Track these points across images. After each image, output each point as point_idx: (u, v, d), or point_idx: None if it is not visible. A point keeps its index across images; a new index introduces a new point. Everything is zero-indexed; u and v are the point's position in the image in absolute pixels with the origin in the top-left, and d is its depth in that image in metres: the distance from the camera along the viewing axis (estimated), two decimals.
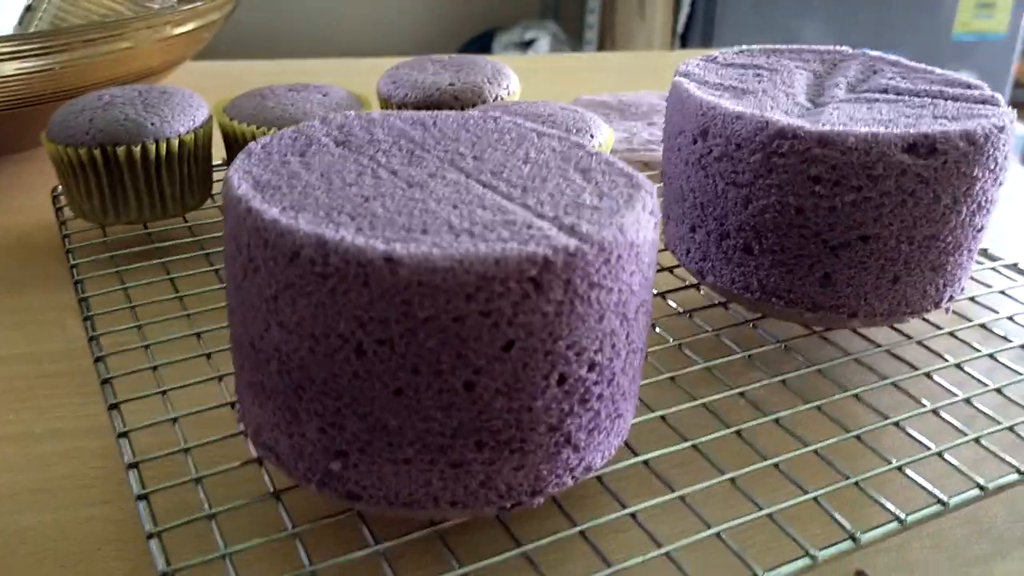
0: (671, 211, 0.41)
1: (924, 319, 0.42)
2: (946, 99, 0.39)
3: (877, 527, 0.30)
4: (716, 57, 0.44)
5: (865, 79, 0.42)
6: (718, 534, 0.29)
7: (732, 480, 0.31)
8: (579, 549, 0.31)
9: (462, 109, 0.53)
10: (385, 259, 0.24)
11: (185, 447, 0.32)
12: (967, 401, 0.36)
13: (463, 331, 0.25)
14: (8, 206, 0.56)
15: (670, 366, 0.38)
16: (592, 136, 0.46)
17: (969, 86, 0.40)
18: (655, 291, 0.43)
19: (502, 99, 0.54)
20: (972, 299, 0.44)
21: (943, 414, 0.35)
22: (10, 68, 0.53)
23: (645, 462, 0.32)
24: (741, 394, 0.36)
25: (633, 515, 0.30)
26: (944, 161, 0.34)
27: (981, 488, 0.31)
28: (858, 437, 0.33)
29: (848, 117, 0.37)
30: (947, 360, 0.38)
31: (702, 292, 0.44)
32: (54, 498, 0.34)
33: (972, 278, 0.46)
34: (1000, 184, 0.37)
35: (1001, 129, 0.35)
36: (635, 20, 2.43)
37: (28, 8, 0.59)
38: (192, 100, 0.50)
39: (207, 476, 0.31)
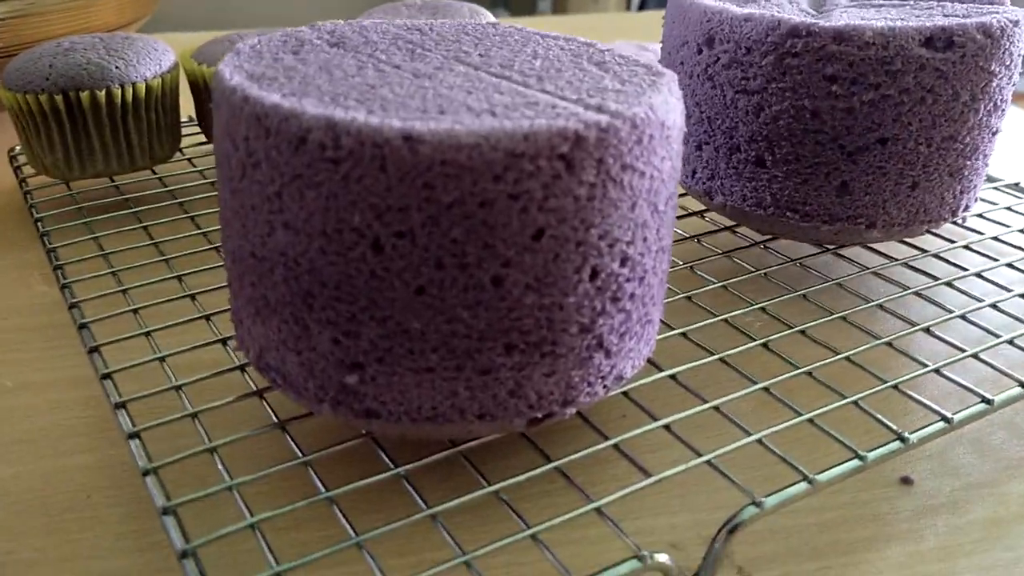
0: None
1: (934, 233, 0.40)
2: (952, 1, 0.38)
3: (924, 427, 0.28)
4: None
5: None
6: (759, 440, 0.27)
7: (766, 389, 0.29)
8: (614, 464, 0.29)
9: None
10: (404, 137, 0.22)
11: (176, 384, 0.30)
12: (994, 306, 0.34)
13: (491, 217, 0.23)
14: None
15: (685, 287, 0.36)
16: None
17: None
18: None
19: None
20: (980, 215, 0.43)
21: (972, 318, 0.33)
22: None
23: (673, 376, 0.30)
24: (763, 309, 0.34)
25: (667, 427, 0.28)
26: (963, 55, 0.33)
27: (1023, 385, 0.30)
28: (889, 343, 0.32)
29: (859, 18, 0.35)
30: (967, 269, 0.37)
31: (706, 219, 0.42)
32: (35, 448, 0.31)
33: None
34: (1013, 84, 0.36)
35: (1016, 23, 0.34)
36: (588, 3, 2.42)
37: None
38: (157, 46, 0.47)
39: (204, 411, 0.29)
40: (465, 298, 0.23)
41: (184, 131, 0.54)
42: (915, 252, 0.39)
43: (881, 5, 0.38)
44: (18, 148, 0.51)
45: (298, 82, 0.25)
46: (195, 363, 0.32)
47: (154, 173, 0.49)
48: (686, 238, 0.40)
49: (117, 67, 0.44)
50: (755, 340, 0.32)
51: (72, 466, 0.30)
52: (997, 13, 0.35)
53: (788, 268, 0.37)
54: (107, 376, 0.30)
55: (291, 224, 0.24)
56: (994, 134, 0.36)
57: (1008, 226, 0.41)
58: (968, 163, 0.36)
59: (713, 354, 0.31)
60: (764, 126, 0.35)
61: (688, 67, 0.37)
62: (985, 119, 0.35)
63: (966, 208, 0.38)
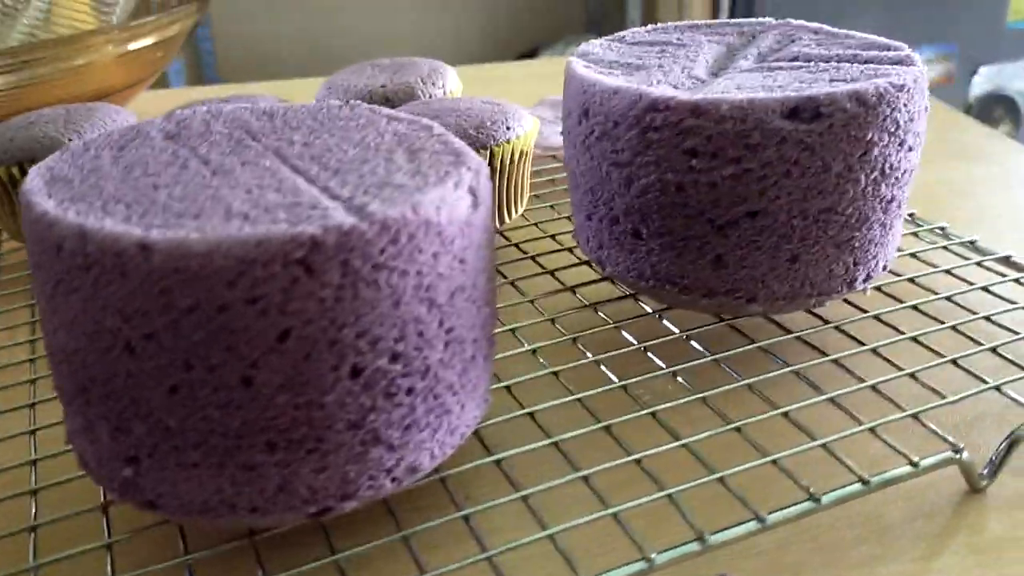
0: (573, 200, 0.39)
1: (848, 302, 0.39)
2: (857, 62, 0.36)
3: (733, 527, 0.27)
4: (625, 36, 0.42)
5: (779, 48, 0.39)
6: (551, 536, 0.27)
7: (585, 479, 0.29)
8: (401, 556, 0.28)
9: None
10: (139, 246, 0.23)
11: (32, 459, 0.31)
12: (874, 388, 0.33)
13: (230, 321, 0.23)
14: None
15: (558, 361, 0.35)
16: (508, 128, 0.45)
17: (888, 48, 0.37)
18: (566, 285, 0.41)
19: (435, 97, 0.53)
20: (911, 280, 0.40)
21: (841, 401, 0.32)
22: None
23: (497, 461, 0.30)
24: (623, 388, 0.33)
25: (467, 518, 0.28)
26: (830, 125, 0.31)
27: (864, 482, 0.28)
28: (738, 429, 0.31)
29: (736, 86, 0.34)
30: (862, 344, 0.35)
31: (618, 284, 0.41)
32: None
33: (916, 256, 0.42)
34: (909, 148, 0.34)
35: (900, 88, 0.32)
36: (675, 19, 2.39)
37: None
38: (117, 116, 0.50)
39: (42, 488, 0.30)
40: (216, 398, 0.24)
41: None
42: (819, 323, 0.37)
43: (779, 68, 0.36)
44: None
45: (88, 184, 0.26)
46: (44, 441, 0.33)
47: None
48: (584, 306, 0.39)
49: (70, 139, 0.47)
50: (599, 423, 0.31)
51: None
52: (887, 76, 0.33)
53: (670, 343, 0.36)
54: None
55: (63, 323, 0.25)
56: (889, 202, 0.34)
57: (935, 292, 0.39)
58: (857, 234, 0.34)
59: (549, 437, 0.31)
60: (636, 199, 0.34)
61: (572, 137, 0.37)
62: (870, 189, 0.33)
63: (867, 279, 0.36)
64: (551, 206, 0.50)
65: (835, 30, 0.40)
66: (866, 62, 0.36)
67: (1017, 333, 0.36)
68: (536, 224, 0.48)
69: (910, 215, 0.46)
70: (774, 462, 0.29)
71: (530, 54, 2.44)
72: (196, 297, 0.23)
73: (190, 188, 0.26)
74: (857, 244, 0.34)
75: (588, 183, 0.37)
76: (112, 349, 0.24)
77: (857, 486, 0.28)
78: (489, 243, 0.29)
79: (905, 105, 0.33)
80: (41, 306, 0.26)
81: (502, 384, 0.34)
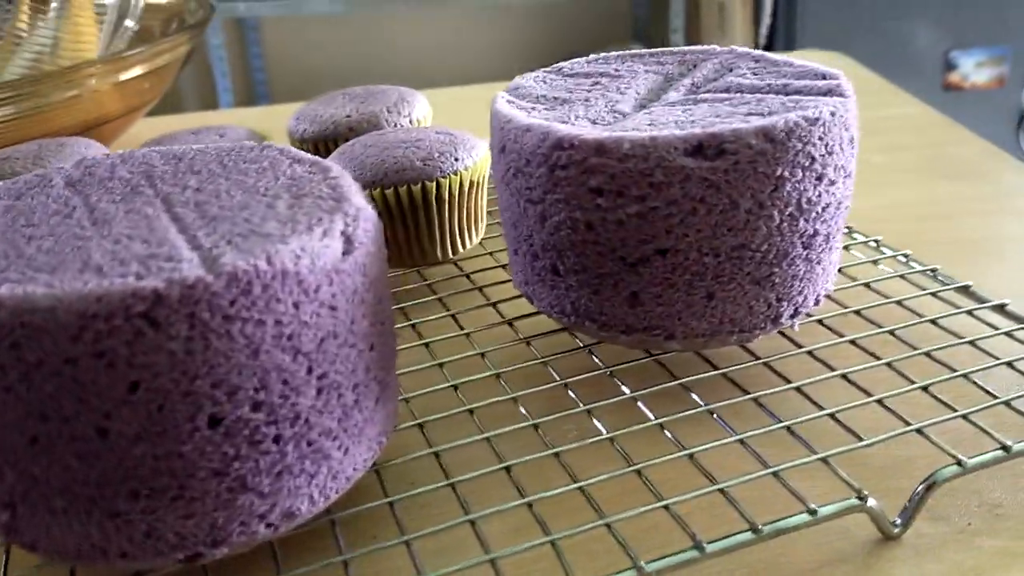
0: (504, 234, 0.39)
1: (784, 335, 0.38)
2: (784, 93, 0.35)
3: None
4: (563, 67, 0.41)
5: (715, 78, 0.38)
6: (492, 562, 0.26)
7: (472, 523, 0.28)
8: None
9: None
10: None
11: None
12: (789, 429, 0.32)
13: (78, 374, 0.23)
14: None
15: (477, 397, 0.35)
16: (456, 159, 0.44)
17: (824, 77, 0.36)
18: (505, 317, 0.40)
19: (400, 127, 0.53)
20: (857, 312, 0.39)
21: (751, 445, 0.31)
22: None
23: (391, 503, 0.30)
24: (535, 427, 0.33)
25: (345, 564, 0.28)
26: (735, 162, 0.31)
27: (755, 530, 0.27)
28: (638, 471, 0.30)
29: (649, 122, 0.33)
30: (788, 382, 0.34)
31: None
32: None
33: (870, 286, 0.41)
34: (831, 182, 0.33)
35: (813, 121, 0.31)
36: (717, 37, 2.37)
37: None
38: (86, 149, 0.51)
39: None
40: (75, 448, 0.24)
41: None
42: (748, 359, 0.36)
43: (703, 101, 0.35)
44: None
45: None
46: None
47: None
48: (518, 340, 0.39)
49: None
50: (497, 465, 0.31)
51: None
52: (804, 109, 0.32)
53: (593, 378, 0.36)
54: None
55: None
56: (812, 236, 0.33)
57: (840, 335, 0.37)
58: (777, 271, 0.33)
59: (447, 478, 0.30)
60: (550, 236, 0.34)
61: (495, 171, 0.37)
62: (786, 225, 0.32)
63: (794, 314, 0.35)
64: None
65: (776, 57, 0.39)
66: (794, 93, 0.35)
67: (954, 371, 0.34)
68: (491, 253, 0.48)
69: (875, 241, 0.45)
70: (666, 507, 0.28)
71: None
72: (44, 351, 0.23)
73: (61, 240, 0.26)
74: (778, 280, 0.33)
75: (511, 218, 0.36)
76: None
77: (748, 535, 0.27)
78: (375, 286, 0.29)
79: (820, 138, 0.32)
80: None
81: (415, 422, 0.34)
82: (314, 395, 0.26)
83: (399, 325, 0.40)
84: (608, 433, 0.32)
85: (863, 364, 0.35)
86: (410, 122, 0.54)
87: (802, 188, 0.32)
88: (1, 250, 0.26)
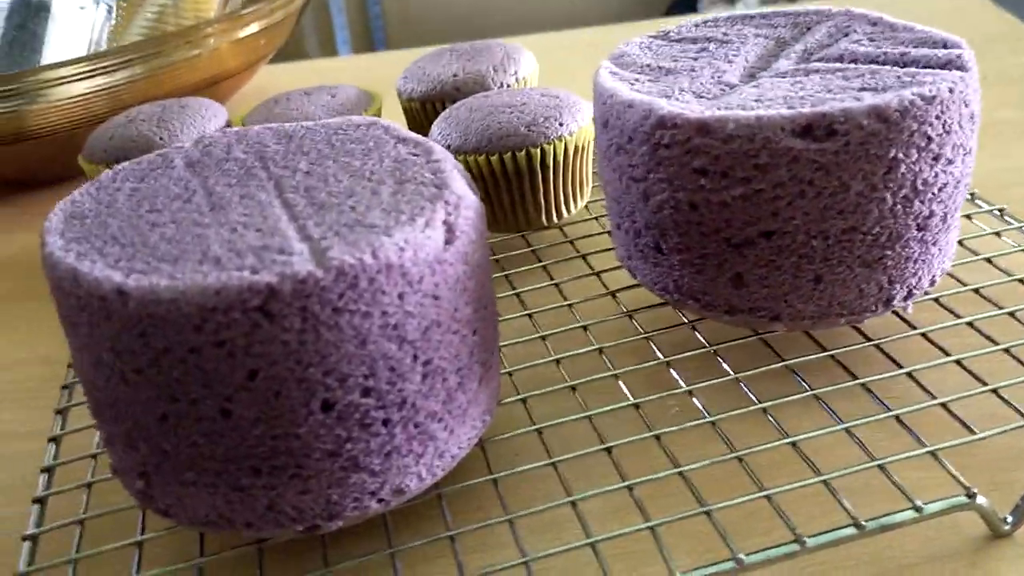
0: (606, 201, 0.39)
1: (898, 315, 0.36)
2: (901, 64, 0.34)
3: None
4: (670, 32, 0.40)
5: (828, 43, 0.37)
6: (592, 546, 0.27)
7: (573, 504, 0.29)
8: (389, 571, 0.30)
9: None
10: (117, 291, 0.25)
11: (94, 453, 0.35)
12: (897, 419, 0.31)
13: (201, 362, 0.25)
14: None
15: (579, 373, 0.35)
16: (562, 124, 0.44)
17: (946, 45, 0.34)
18: (608, 289, 0.40)
19: (508, 86, 0.53)
20: (976, 291, 0.37)
21: (858, 434, 0.31)
22: (79, 88, 0.58)
23: (495, 481, 0.31)
24: (636, 406, 0.33)
25: (452, 539, 0.29)
26: (846, 143, 0.30)
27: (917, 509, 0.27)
28: (740, 459, 0.30)
29: (756, 97, 0.32)
30: (899, 367, 0.33)
31: None
32: (8, 495, 0.37)
33: (991, 261, 0.39)
34: (948, 161, 0.31)
35: (931, 99, 0.30)
36: None
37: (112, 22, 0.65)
38: (207, 111, 0.53)
39: (96, 482, 0.33)
40: (200, 427, 0.26)
41: None
42: (858, 340, 0.35)
43: (814, 72, 0.34)
44: None
45: (97, 223, 0.28)
46: None
47: None
48: (621, 314, 0.39)
49: (161, 139, 0.50)
50: (601, 445, 0.31)
51: None
52: (921, 85, 0.31)
53: (694, 358, 0.35)
54: (53, 439, 0.36)
55: (75, 349, 0.27)
56: (928, 217, 0.32)
57: (958, 316, 0.36)
58: (889, 253, 0.32)
59: (550, 457, 0.31)
60: (653, 214, 0.34)
61: (598, 145, 0.37)
62: (900, 207, 0.31)
63: (907, 296, 0.34)
64: None
65: (895, 21, 0.37)
66: (911, 64, 0.33)
67: None
68: (597, 218, 0.48)
69: (999, 210, 0.43)
70: (767, 498, 0.28)
71: (690, 6, 2.34)
72: (168, 339, 0.25)
73: (182, 227, 0.28)
74: (890, 263, 0.32)
75: (613, 193, 0.36)
76: (111, 378, 0.26)
77: (850, 530, 0.27)
78: (477, 273, 0.29)
79: (938, 117, 0.30)
80: (63, 326, 0.29)
81: (518, 397, 0.34)
82: (419, 380, 0.27)
83: (503, 294, 0.41)
84: (710, 416, 0.32)
85: (980, 349, 0.34)
86: (516, 80, 0.53)
87: (917, 169, 0.31)
88: (128, 237, 0.27)
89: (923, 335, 0.35)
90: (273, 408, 0.26)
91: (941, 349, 0.34)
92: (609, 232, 0.45)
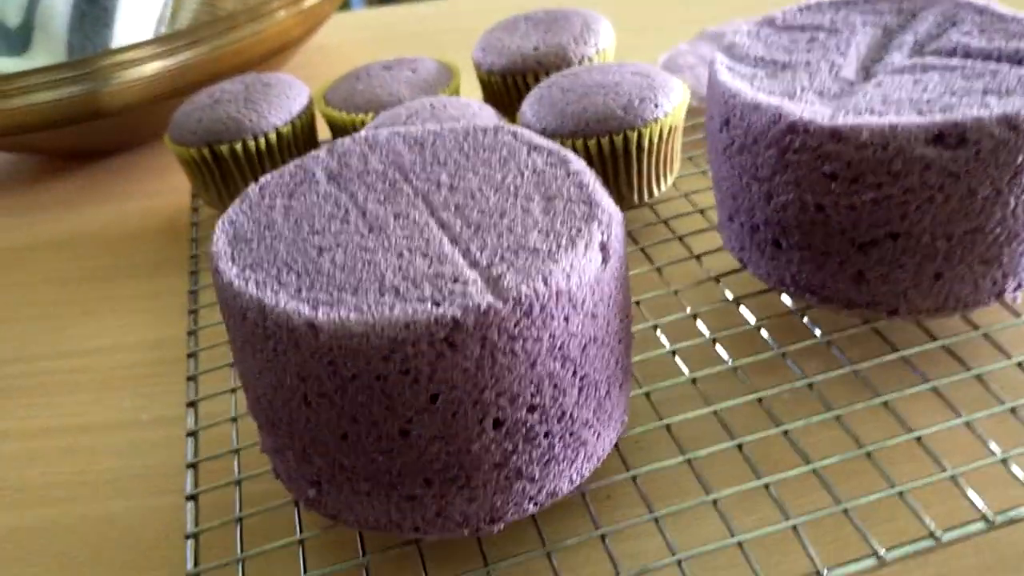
0: (715, 197, 0.40)
1: (1004, 303, 0.38)
2: (1017, 61, 0.34)
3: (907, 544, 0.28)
4: (775, 19, 0.41)
5: (938, 34, 0.37)
6: (739, 544, 0.29)
7: (714, 502, 0.31)
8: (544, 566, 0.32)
9: (546, 74, 0.53)
10: (308, 325, 0.26)
11: (235, 448, 0.37)
12: (1012, 411, 0.33)
13: (387, 387, 0.26)
14: (157, 188, 0.63)
15: (697, 364, 0.37)
16: (657, 105, 0.45)
17: None
18: (711, 274, 0.42)
19: (589, 59, 0.53)
20: None
21: (978, 427, 0.32)
22: (151, 69, 0.59)
23: (633, 478, 0.33)
24: (759, 400, 0.35)
25: (603, 537, 0.31)
26: (977, 151, 0.31)
27: (987, 520, 0.29)
28: (868, 455, 0.32)
29: (882, 99, 0.33)
30: (1009, 357, 0.35)
31: None
32: (147, 484, 0.39)
33: None
34: None
35: None
36: None
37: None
38: (291, 90, 0.53)
39: (245, 479, 0.35)
40: (380, 445, 0.28)
41: None
42: (967, 328, 0.37)
43: (932, 68, 0.35)
44: None
45: (264, 247, 0.30)
46: None
47: None
48: (727, 301, 0.40)
49: (251, 120, 0.51)
50: (731, 441, 0.33)
51: (173, 505, 0.38)
52: None
53: (810, 349, 0.37)
54: (192, 434, 0.38)
55: (251, 370, 0.29)
56: None
57: None
58: (1006, 250, 0.33)
59: (682, 453, 0.33)
60: (775, 213, 0.35)
61: (713, 141, 0.37)
62: (1020, 209, 0.32)
63: (1017, 287, 0.35)
64: (704, 171, 0.51)
65: (1002, 11, 0.38)
66: None
67: None
68: (686, 195, 0.49)
69: None
70: (900, 494, 0.30)
71: None
72: (357, 368, 0.26)
73: (349, 251, 0.29)
74: (1006, 259, 0.34)
75: (729, 189, 0.37)
76: (292, 400, 0.28)
77: (981, 524, 0.29)
78: (623, 285, 0.30)
79: None
80: (232, 344, 0.30)
81: (642, 391, 0.36)
82: (576, 393, 0.29)
83: None
84: (833, 410, 0.34)
85: None
86: (596, 52, 0.54)
87: None
88: (300, 264, 0.29)
89: None
90: (450, 427, 0.27)
91: None
92: (702, 211, 0.47)
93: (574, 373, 0.29)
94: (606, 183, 0.46)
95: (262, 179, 0.34)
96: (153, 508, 0.38)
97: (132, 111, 0.60)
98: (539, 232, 0.29)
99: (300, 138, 0.53)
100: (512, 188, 0.31)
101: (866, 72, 0.36)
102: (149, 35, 0.61)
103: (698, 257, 0.43)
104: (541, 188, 0.31)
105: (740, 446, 0.33)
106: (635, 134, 0.44)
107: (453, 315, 0.26)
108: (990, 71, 0.34)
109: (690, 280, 0.42)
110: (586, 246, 0.28)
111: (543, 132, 0.46)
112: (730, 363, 0.37)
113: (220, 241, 0.30)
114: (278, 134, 0.51)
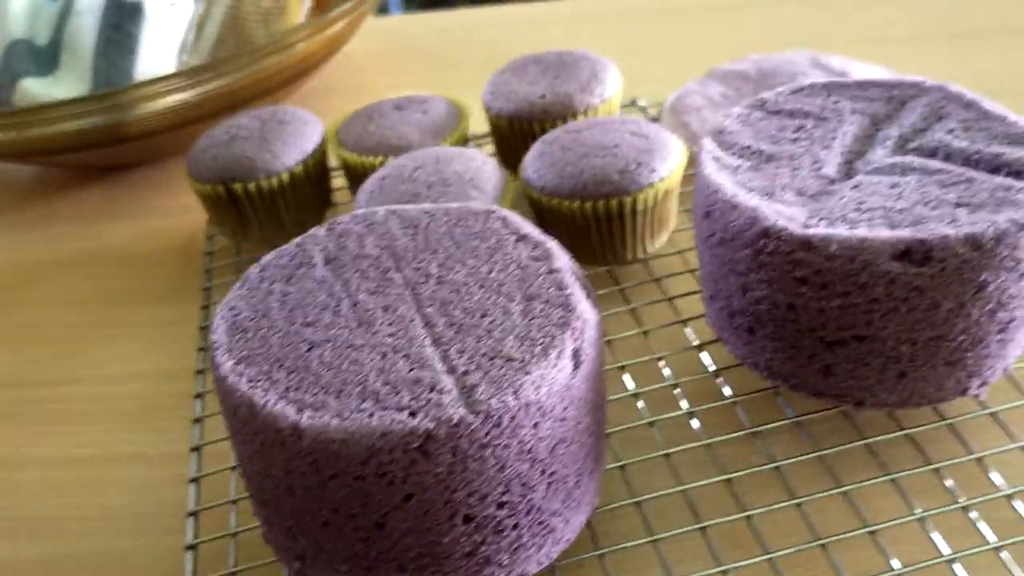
0: (700, 270, 0.41)
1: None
2: (995, 169, 0.35)
3: None
4: (766, 101, 0.42)
5: (924, 129, 0.38)
6: None
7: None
8: None
9: (552, 123, 0.54)
10: (293, 427, 0.28)
11: (233, 499, 0.39)
12: (965, 509, 0.34)
13: (364, 487, 0.29)
14: (178, 203, 0.65)
15: (673, 439, 0.39)
16: (653, 171, 0.46)
17: None
18: (695, 342, 0.43)
19: (594, 109, 0.55)
20: None
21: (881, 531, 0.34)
22: (173, 100, 0.60)
23: (601, 555, 0.35)
24: (728, 481, 0.37)
25: None
26: (941, 268, 0.32)
27: None
28: (823, 546, 0.34)
29: (857, 204, 0.34)
30: (970, 452, 0.36)
31: None
32: (155, 523, 0.42)
33: None
34: None
35: (1023, 225, 0.32)
36: None
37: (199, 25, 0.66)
38: (305, 128, 0.55)
39: (241, 532, 0.38)
40: (358, 534, 0.30)
41: (337, 182, 0.62)
42: (935, 420, 0.38)
43: (912, 170, 0.36)
44: None
45: (259, 339, 0.32)
46: None
47: None
48: (707, 373, 0.42)
49: (264, 161, 0.53)
50: (696, 525, 0.35)
51: (176, 545, 0.40)
52: (1015, 207, 0.33)
53: (779, 430, 0.39)
54: (194, 480, 0.40)
55: (241, 454, 0.31)
56: (1009, 322, 0.34)
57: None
58: (970, 354, 0.35)
59: (651, 533, 0.35)
60: (750, 305, 0.36)
61: (698, 226, 0.39)
62: (984, 318, 0.34)
63: (982, 385, 0.36)
64: None
65: (987, 107, 0.39)
66: (1005, 168, 0.35)
67: None
68: (680, 252, 0.50)
69: None
70: None
71: None
72: (337, 468, 0.28)
73: (337, 348, 0.31)
74: (970, 362, 0.35)
75: (711, 273, 0.39)
76: (279, 487, 0.30)
77: None
78: (596, 382, 0.32)
79: None
80: (225, 423, 0.32)
81: (617, 464, 0.38)
82: (545, 489, 0.31)
83: None
84: (796, 497, 0.35)
85: None
86: (601, 101, 0.55)
87: (1004, 287, 0.33)
88: (291, 361, 0.31)
89: (992, 415, 0.38)
90: (422, 523, 0.29)
91: (1007, 432, 0.37)
92: (692, 271, 0.48)
93: (543, 472, 0.31)
94: (601, 241, 0.48)
95: (264, 259, 0.36)
96: (161, 548, 0.40)
97: (154, 136, 0.62)
98: (515, 337, 0.30)
99: (312, 176, 0.55)
100: (496, 284, 0.33)
101: (848, 168, 0.37)
102: (172, 62, 0.62)
103: (685, 322, 0.45)
104: (523, 286, 0.32)
105: (704, 528, 0.35)
106: (630, 199, 0.46)
107: (426, 427, 0.28)
108: (966, 179, 0.35)
109: (675, 347, 0.44)
110: (558, 355, 0.30)
111: (542, 190, 0.47)
112: (704, 440, 0.38)
113: (219, 330, 0.32)
114: (292, 174, 0.53)
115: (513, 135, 0.56)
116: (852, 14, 0.82)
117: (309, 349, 0.31)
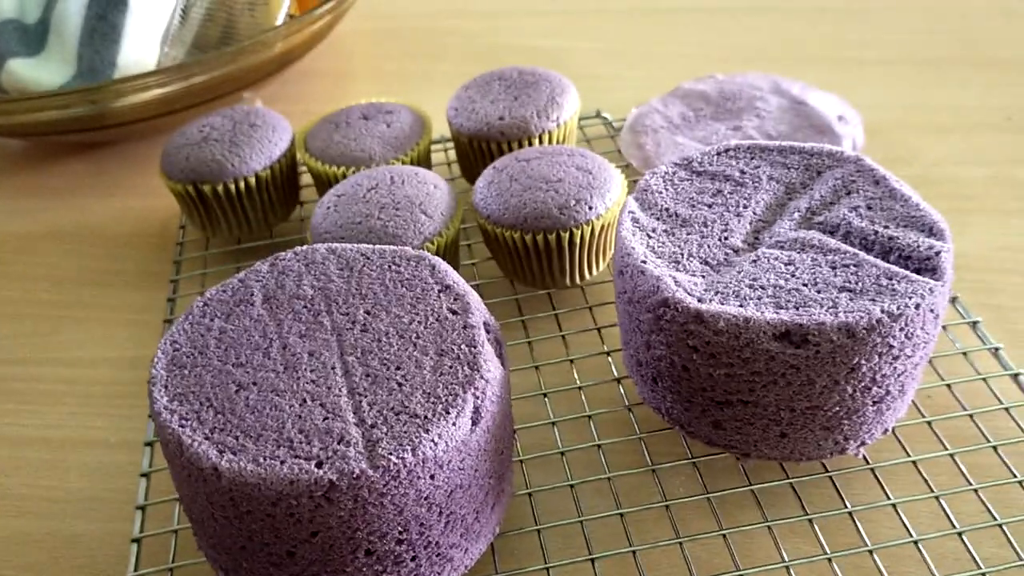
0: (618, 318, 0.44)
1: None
2: (886, 254, 0.38)
3: None
4: (692, 161, 0.45)
5: (833, 202, 0.41)
6: None
7: None
8: None
9: (508, 145, 0.57)
10: (213, 468, 0.32)
11: (177, 497, 0.43)
12: (829, 561, 0.38)
13: (275, 523, 0.32)
14: (160, 183, 0.68)
15: (580, 470, 0.42)
16: (591, 208, 0.49)
17: (932, 231, 0.39)
18: (615, 375, 0.47)
19: (549, 133, 0.57)
20: (930, 424, 0.43)
21: None
22: (155, 93, 0.63)
23: None
24: (621, 515, 0.40)
25: None
26: (816, 351, 0.35)
27: None
28: None
29: (751, 280, 0.38)
30: (845, 506, 0.40)
31: None
32: (110, 510, 0.45)
33: (952, 388, 0.45)
34: (908, 356, 0.37)
35: (897, 317, 0.35)
36: None
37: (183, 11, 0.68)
38: (274, 133, 0.58)
39: (182, 529, 0.42)
40: (271, 559, 0.34)
41: (304, 179, 0.65)
42: (818, 470, 0.42)
43: (810, 247, 0.39)
44: None
45: (194, 377, 0.35)
46: None
47: (271, 236, 0.61)
48: (623, 407, 0.45)
49: (233, 164, 0.56)
50: (588, 556, 0.39)
51: (126, 532, 0.44)
52: (892, 296, 0.36)
53: (676, 469, 0.42)
54: (145, 475, 0.44)
55: (174, 476, 0.35)
56: (885, 395, 0.38)
57: (907, 453, 0.42)
58: (846, 422, 0.38)
59: (546, 562, 0.39)
60: (653, 360, 0.40)
61: (615, 279, 0.42)
62: (859, 394, 0.37)
63: (860, 446, 0.40)
64: None
65: (895, 186, 0.41)
66: (895, 254, 0.38)
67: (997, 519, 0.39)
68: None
69: (974, 322, 0.48)
70: None
71: None
72: (251, 506, 0.32)
73: (262, 391, 0.34)
74: (847, 428, 0.38)
75: (623, 324, 0.42)
76: (204, 514, 0.34)
77: None
78: (498, 431, 0.36)
79: (902, 329, 0.35)
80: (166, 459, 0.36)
81: (527, 491, 0.42)
82: (443, 526, 0.35)
83: (524, 366, 0.47)
84: (679, 537, 0.39)
85: (915, 495, 0.40)
86: (556, 126, 0.57)
87: (877, 368, 0.36)
88: (219, 401, 0.34)
89: (872, 471, 0.41)
90: (328, 555, 0.33)
91: (884, 491, 0.41)
92: None
93: (440, 513, 0.34)
94: (541, 269, 0.51)
95: (208, 292, 0.39)
96: (112, 534, 0.44)
97: (137, 122, 0.65)
98: (422, 393, 0.34)
99: (279, 180, 0.58)
100: (414, 336, 0.36)
101: (755, 238, 0.40)
102: (155, 51, 0.65)
103: (609, 353, 0.48)
104: (438, 340, 0.36)
105: (593, 562, 0.39)
106: (567, 234, 0.49)
107: (330, 478, 0.31)
108: (856, 263, 0.38)
109: (597, 376, 0.47)
110: (458, 414, 0.33)
111: (487, 219, 0.50)
112: (607, 474, 0.42)
113: (159, 364, 0.36)
114: (257, 178, 0.56)
115: (472, 152, 0.58)
116: (830, 32, 0.84)
117: (237, 391, 0.35)
